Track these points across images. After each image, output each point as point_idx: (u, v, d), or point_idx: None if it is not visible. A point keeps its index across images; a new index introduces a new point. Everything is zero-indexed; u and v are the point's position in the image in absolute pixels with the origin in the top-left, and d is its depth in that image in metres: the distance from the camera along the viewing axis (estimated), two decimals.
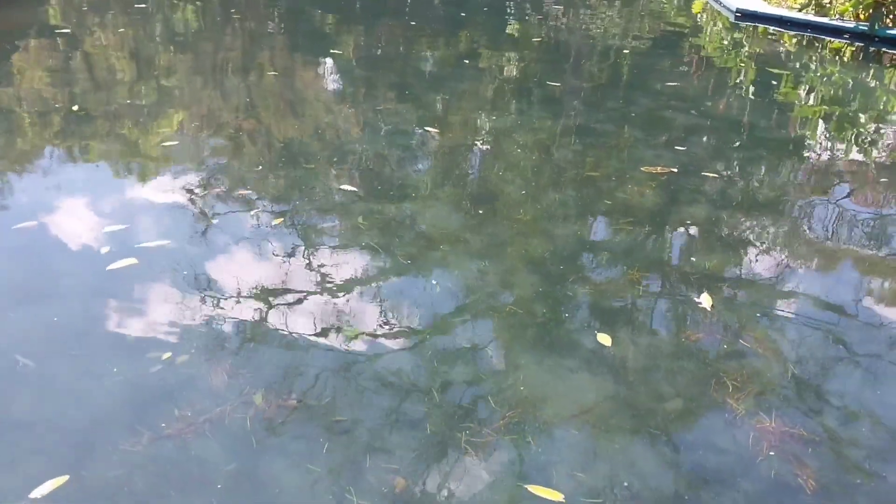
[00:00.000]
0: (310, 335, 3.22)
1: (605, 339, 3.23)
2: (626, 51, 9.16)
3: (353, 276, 3.71)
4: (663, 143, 5.62)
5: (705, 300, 3.55)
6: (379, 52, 8.63)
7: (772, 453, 2.63)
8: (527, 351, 3.16)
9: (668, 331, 3.33)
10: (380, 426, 2.72)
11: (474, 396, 2.88)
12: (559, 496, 2.43)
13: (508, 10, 11.25)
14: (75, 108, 5.97)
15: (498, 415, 2.78)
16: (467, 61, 8.22)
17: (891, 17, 9.19)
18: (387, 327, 3.32)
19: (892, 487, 2.49)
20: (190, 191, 4.57)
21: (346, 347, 3.15)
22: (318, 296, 3.52)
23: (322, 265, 3.79)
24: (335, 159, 5.12)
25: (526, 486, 2.47)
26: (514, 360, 3.10)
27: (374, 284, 3.65)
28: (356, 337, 3.23)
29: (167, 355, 3.00)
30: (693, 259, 3.97)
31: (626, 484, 2.49)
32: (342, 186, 4.66)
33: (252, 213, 4.31)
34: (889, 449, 2.67)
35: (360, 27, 9.94)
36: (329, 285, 3.62)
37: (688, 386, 2.96)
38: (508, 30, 10.10)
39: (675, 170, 5.01)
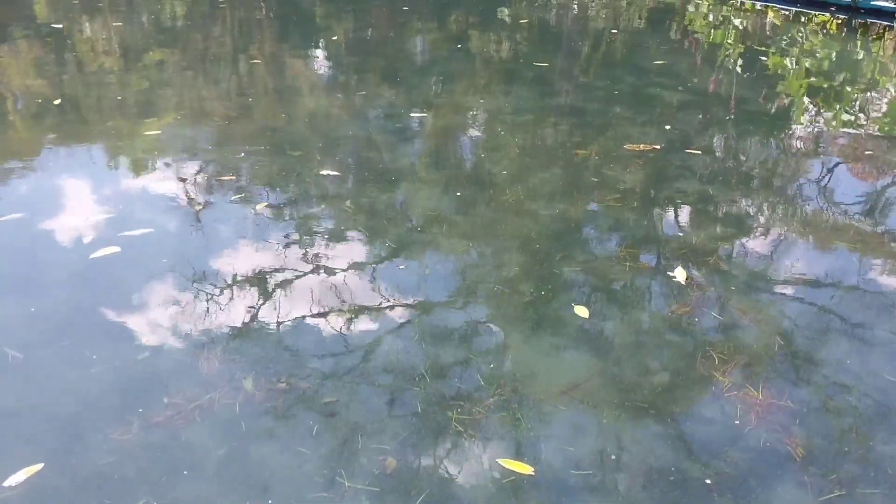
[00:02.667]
0: (298, 318, 3.22)
1: (590, 314, 3.24)
2: (614, 30, 9.13)
3: (341, 258, 3.71)
4: (649, 121, 5.61)
5: (693, 274, 3.56)
6: (368, 36, 8.58)
7: (759, 423, 2.64)
8: (516, 329, 3.17)
9: (657, 305, 3.34)
10: (370, 407, 2.73)
11: (465, 376, 2.89)
12: (529, 469, 2.45)
13: None
14: (57, 101, 5.93)
15: (488, 393, 2.79)
16: (459, 45, 8.19)
17: None
18: (376, 309, 3.32)
19: (878, 455, 2.51)
20: (175, 178, 4.56)
21: (335, 329, 3.16)
22: (305, 279, 3.52)
23: (309, 248, 3.79)
24: (322, 144, 5.10)
25: (498, 461, 2.48)
26: (505, 339, 3.11)
27: (361, 267, 3.65)
28: (345, 319, 3.24)
29: (154, 342, 3.01)
30: (681, 234, 3.97)
31: (613, 457, 2.51)
32: (329, 171, 4.65)
33: (237, 198, 4.30)
34: (876, 417, 2.69)
35: (348, 12, 9.89)
36: (316, 268, 3.62)
37: (675, 360, 2.97)
38: (498, 11, 10.05)
39: (658, 147, 5.00)
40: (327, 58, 7.65)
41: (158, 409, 2.66)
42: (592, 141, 5.18)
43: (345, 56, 7.63)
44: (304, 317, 3.25)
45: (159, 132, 5.34)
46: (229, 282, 3.48)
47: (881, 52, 8.10)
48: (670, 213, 4.24)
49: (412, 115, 5.78)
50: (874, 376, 2.88)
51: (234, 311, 3.26)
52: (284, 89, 6.52)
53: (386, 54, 7.75)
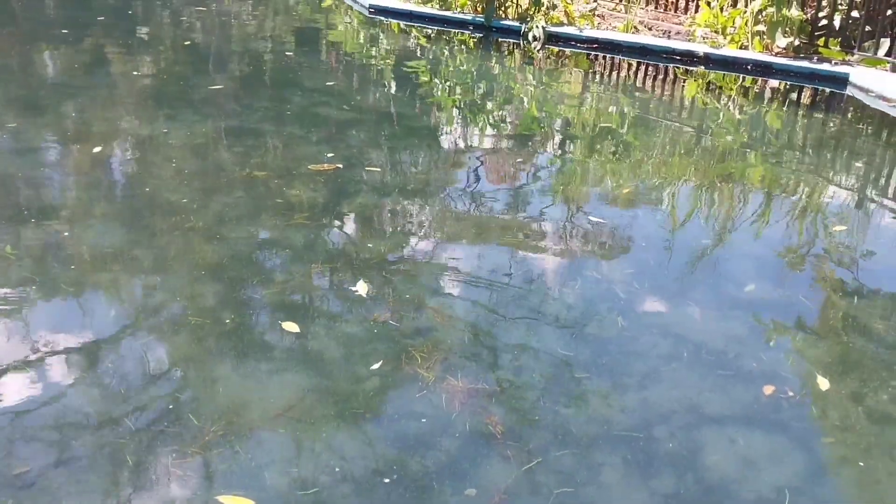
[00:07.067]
0: None
1: (294, 330, 3.29)
2: (270, 50, 9.22)
3: (11, 311, 3.34)
4: (323, 140, 5.78)
5: (386, 281, 3.76)
6: None
7: (463, 409, 2.89)
8: (221, 360, 3.10)
9: (355, 315, 3.47)
10: (72, 469, 2.51)
11: (174, 417, 2.78)
12: (250, 503, 2.44)
13: (147, 13, 10.67)
14: None
15: (203, 431, 2.70)
16: (113, 70, 7.69)
17: (502, 9, 10.33)
18: (62, 361, 3.04)
19: (562, 419, 2.88)
20: None
21: (15, 392, 2.84)
22: None
23: None
24: None
25: (217, 498, 2.44)
26: (211, 373, 3.03)
27: (34, 317, 3.32)
28: (30, 374, 2.93)
29: None
30: (370, 245, 4.16)
31: (337, 469, 2.58)
32: None
33: None
34: (554, 386, 3.07)
35: None
36: None
37: (382, 365, 3.12)
38: (147, 34, 9.60)
39: (341, 165, 5.19)
40: None
41: None
42: (275, 163, 5.20)
43: None
44: None
45: None
46: None
47: (513, 65, 9.15)
48: (359, 228, 4.42)
49: (76, 145, 5.35)
50: (549, 353, 3.29)
51: None
52: None
53: (28, 82, 7.03)
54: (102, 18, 9.71)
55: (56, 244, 3.92)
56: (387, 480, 2.55)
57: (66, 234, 4.03)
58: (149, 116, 6.11)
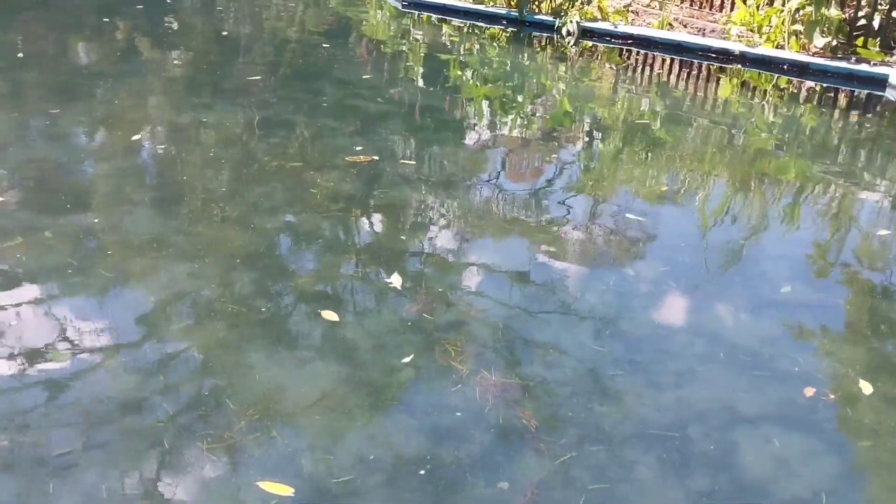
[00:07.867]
0: (8, 369, 2.90)
1: (332, 320, 3.31)
2: (305, 42, 9.25)
3: (52, 295, 3.40)
4: (358, 132, 5.79)
5: (420, 274, 3.78)
6: (39, 51, 7.80)
7: (496, 403, 2.89)
8: (257, 347, 3.13)
9: (391, 308, 3.49)
10: (111, 452, 2.55)
11: (211, 403, 2.81)
12: (289, 490, 2.45)
13: (183, 2, 10.77)
14: None
15: (239, 416, 2.73)
16: (147, 58, 7.77)
17: (536, 3, 10.27)
18: (101, 345, 3.10)
19: (596, 415, 2.87)
20: None
21: (60, 373, 2.90)
22: (16, 320, 3.17)
23: (13, 287, 3.41)
24: (8, 170, 4.59)
25: (258, 484, 2.46)
26: (247, 359, 3.06)
27: (77, 302, 3.38)
28: (68, 359, 2.98)
29: None
30: (404, 237, 4.17)
31: (371, 457, 2.60)
32: (18, 198, 4.21)
33: None
34: (588, 382, 3.06)
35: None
36: (23, 308, 3.27)
37: (415, 357, 3.13)
38: (184, 23, 9.68)
39: (376, 157, 5.20)
40: None
41: None
42: (311, 154, 5.23)
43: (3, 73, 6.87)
44: (18, 364, 2.93)
45: None
46: None
47: (546, 60, 9.11)
48: (394, 220, 4.43)
49: (115, 133, 5.41)
50: (582, 347, 3.28)
51: None
52: None
53: (69, 70, 7.12)
54: (141, 7, 9.80)
55: (94, 230, 3.98)
56: (421, 472, 2.56)
57: (104, 220, 4.09)
58: (186, 106, 6.16)
